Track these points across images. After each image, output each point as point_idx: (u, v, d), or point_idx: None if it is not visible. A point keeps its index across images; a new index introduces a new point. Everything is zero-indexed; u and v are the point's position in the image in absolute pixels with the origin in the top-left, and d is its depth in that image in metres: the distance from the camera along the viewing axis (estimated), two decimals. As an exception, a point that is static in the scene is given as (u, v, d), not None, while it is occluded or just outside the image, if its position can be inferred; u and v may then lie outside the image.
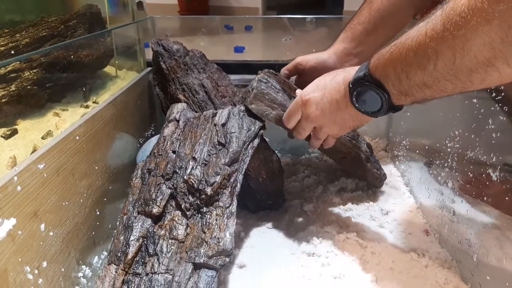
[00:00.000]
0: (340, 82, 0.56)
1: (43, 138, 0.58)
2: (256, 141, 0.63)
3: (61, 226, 0.55)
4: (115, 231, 0.55)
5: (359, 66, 0.53)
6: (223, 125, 0.61)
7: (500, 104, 0.48)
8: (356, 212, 0.77)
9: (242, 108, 0.65)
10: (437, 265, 0.63)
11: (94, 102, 0.72)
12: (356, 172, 0.84)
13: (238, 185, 0.57)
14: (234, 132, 0.60)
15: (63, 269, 0.55)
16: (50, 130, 0.59)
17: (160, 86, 0.80)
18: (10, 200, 0.44)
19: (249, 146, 0.61)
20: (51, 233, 0.52)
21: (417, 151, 0.82)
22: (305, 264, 0.64)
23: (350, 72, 0.54)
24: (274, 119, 0.67)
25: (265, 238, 0.71)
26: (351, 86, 0.53)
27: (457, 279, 0.59)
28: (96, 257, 0.63)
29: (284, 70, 0.82)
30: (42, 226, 0.49)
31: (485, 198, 0.57)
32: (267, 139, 0.76)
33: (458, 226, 0.62)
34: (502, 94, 0.48)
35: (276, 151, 0.77)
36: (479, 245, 0.56)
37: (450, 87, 0.41)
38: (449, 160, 0.65)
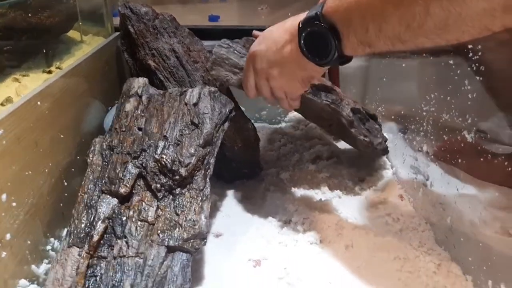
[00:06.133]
0: (287, 28, 0.52)
1: (2, 104, 0.54)
2: (227, 125, 0.61)
3: (25, 197, 0.52)
4: (73, 211, 0.51)
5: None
6: (195, 104, 0.59)
7: (477, 64, 0.48)
8: (332, 179, 0.77)
9: (212, 89, 0.62)
10: (411, 228, 0.63)
11: (57, 68, 0.67)
12: (346, 141, 0.80)
13: (211, 168, 0.56)
14: (207, 113, 0.58)
15: (29, 242, 0.52)
16: (9, 96, 0.56)
17: (128, 52, 0.76)
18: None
19: (220, 129, 0.59)
20: (14, 204, 0.49)
21: (393, 117, 0.82)
22: (281, 232, 0.63)
23: (301, 16, 0.49)
24: (236, 84, 0.64)
25: (242, 207, 0.70)
26: (300, 26, 0.48)
27: (431, 241, 0.60)
28: (65, 229, 0.61)
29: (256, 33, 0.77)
30: (4, 197, 0.47)
31: (458, 163, 0.57)
32: (243, 108, 0.74)
33: (432, 190, 0.63)
34: (479, 54, 0.47)
35: (252, 120, 0.76)
36: (452, 208, 0.56)
37: (428, 43, 0.38)
38: (424, 124, 0.65)
